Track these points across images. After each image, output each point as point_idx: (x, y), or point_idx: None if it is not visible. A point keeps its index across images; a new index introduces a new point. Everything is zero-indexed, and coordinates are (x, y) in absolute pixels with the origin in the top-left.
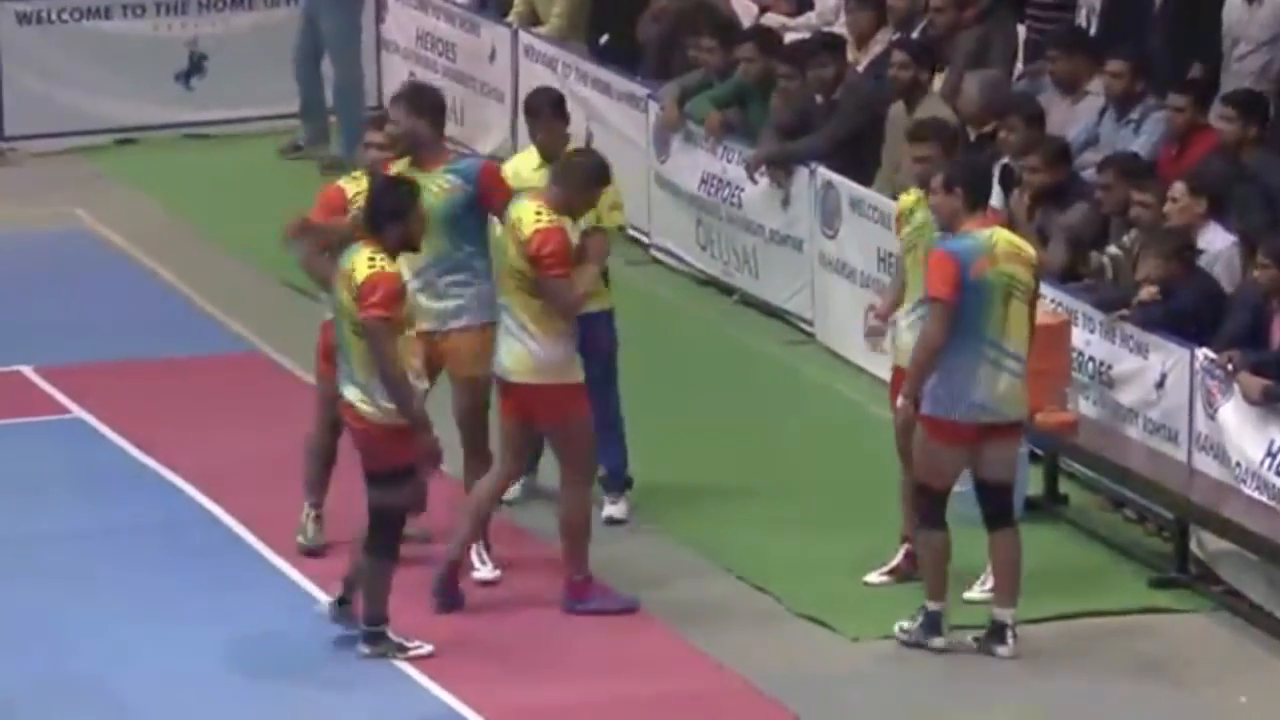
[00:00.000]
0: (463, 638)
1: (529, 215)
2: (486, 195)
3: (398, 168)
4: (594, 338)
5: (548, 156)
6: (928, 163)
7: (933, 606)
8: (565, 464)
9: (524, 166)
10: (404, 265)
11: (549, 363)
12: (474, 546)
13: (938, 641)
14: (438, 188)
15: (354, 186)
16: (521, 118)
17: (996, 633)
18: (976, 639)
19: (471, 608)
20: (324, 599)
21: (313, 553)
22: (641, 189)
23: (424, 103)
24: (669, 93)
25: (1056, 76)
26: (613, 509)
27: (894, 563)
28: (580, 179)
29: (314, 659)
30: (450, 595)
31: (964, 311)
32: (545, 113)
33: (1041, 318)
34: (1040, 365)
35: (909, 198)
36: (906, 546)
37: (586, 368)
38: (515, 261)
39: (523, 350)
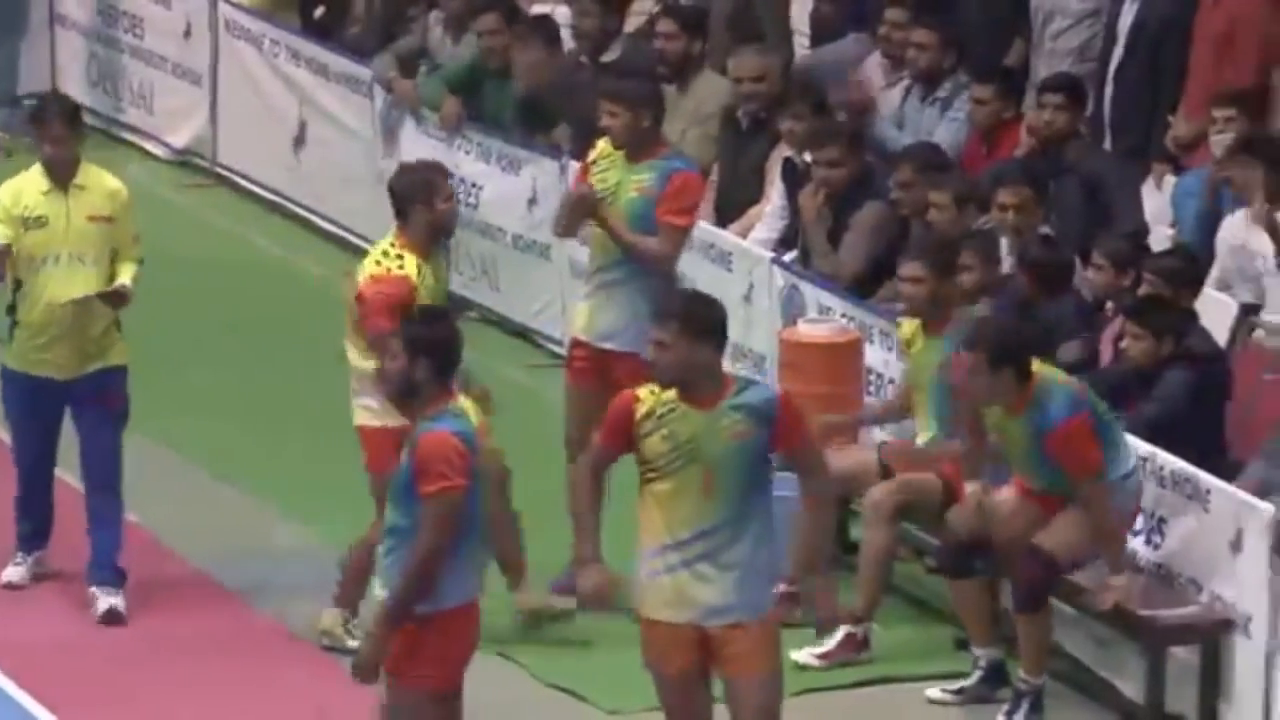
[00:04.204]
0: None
1: None
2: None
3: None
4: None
5: (58, 177)
6: (920, 284)
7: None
8: None
9: (29, 189)
10: None
11: None
12: None
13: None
14: None
15: None
16: (223, 104)
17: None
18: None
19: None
20: None
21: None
22: (366, 187)
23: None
24: (386, 66)
25: (889, 44)
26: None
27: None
28: None
29: None
30: None
31: None
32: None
33: (829, 334)
34: (826, 389)
35: (908, 326)
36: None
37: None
38: None
39: None
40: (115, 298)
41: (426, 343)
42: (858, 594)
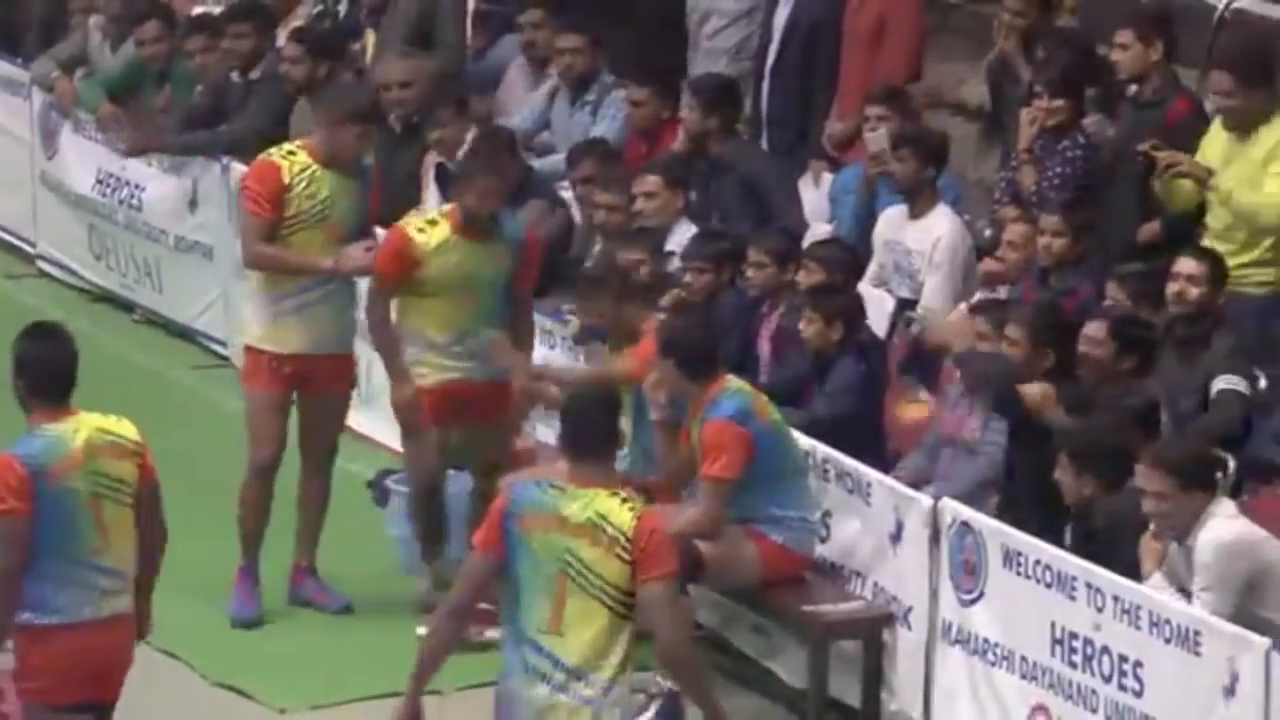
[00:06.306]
0: None
1: None
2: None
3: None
4: None
5: None
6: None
7: None
8: None
9: None
10: None
11: None
12: None
13: None
14: None
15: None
16: None
17: None
18: None
19: None
20: None
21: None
22: (26, 190)
23: None
24: (46, 69)
25: (531, 47)
26: None
27: None
28: None
29: None
30: None
31: None
32: None
33: None
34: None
35: None
36: None
37: None
38: None
39: None
40: None
41: (23, 363)
42: None
